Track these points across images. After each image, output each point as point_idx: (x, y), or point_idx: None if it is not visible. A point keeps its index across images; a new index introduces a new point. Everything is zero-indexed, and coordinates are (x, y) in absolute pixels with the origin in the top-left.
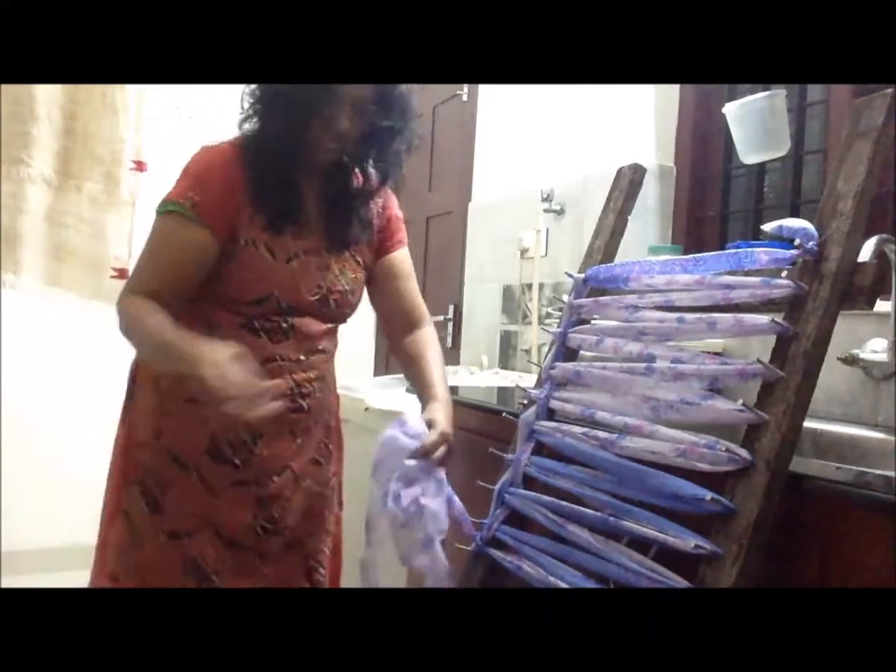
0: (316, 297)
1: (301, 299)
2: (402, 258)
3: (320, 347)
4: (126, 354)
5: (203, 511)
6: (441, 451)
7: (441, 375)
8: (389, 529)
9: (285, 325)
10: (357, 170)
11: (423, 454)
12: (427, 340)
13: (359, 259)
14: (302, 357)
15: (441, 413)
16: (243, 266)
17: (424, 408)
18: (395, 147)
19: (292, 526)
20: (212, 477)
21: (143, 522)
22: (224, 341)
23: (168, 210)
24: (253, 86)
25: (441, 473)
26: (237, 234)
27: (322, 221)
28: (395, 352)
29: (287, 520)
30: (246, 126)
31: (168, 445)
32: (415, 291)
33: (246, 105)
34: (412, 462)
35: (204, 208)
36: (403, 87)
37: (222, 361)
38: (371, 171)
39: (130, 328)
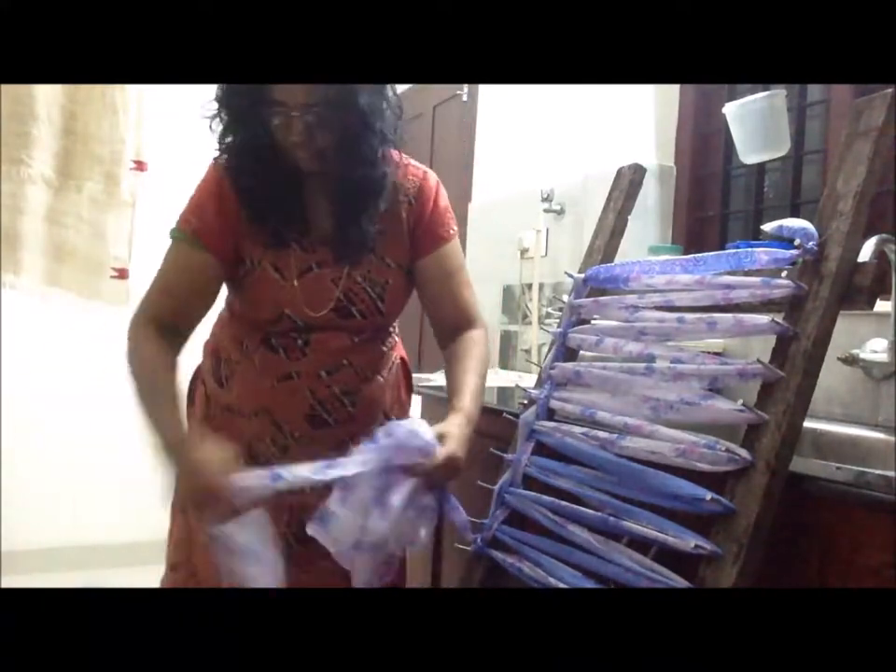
0: (333, 310)
1: (312, 315)
2: (445, 255)
3: (346, 363)
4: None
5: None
6: (439, 476)
7: (472, 385)
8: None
9: (300, 341)
10: (355, 175)
11: (421, 473)
12: (469, 345)
13: (389, 262)
14: (323, 374)
15: (457, 430)
16: (255, 287)
17: (446, 417)
18: (361, 148)
19: None
20: None
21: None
22: (209, 426)
23: (174, 236)
24: (212, 106)
25: (429, 499)
26: (243, 256)
27: (330, 231)
28: (443, 354)
29: None
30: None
31: None
32: (460, 291)
33: (213, 126)
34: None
35: (203, 232)
36: (358, 86)
37: (195, 465)
38: (361, 174)
39: (134, 372)
